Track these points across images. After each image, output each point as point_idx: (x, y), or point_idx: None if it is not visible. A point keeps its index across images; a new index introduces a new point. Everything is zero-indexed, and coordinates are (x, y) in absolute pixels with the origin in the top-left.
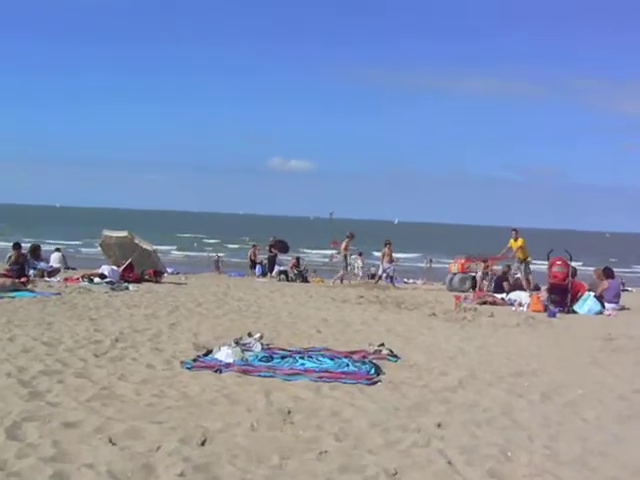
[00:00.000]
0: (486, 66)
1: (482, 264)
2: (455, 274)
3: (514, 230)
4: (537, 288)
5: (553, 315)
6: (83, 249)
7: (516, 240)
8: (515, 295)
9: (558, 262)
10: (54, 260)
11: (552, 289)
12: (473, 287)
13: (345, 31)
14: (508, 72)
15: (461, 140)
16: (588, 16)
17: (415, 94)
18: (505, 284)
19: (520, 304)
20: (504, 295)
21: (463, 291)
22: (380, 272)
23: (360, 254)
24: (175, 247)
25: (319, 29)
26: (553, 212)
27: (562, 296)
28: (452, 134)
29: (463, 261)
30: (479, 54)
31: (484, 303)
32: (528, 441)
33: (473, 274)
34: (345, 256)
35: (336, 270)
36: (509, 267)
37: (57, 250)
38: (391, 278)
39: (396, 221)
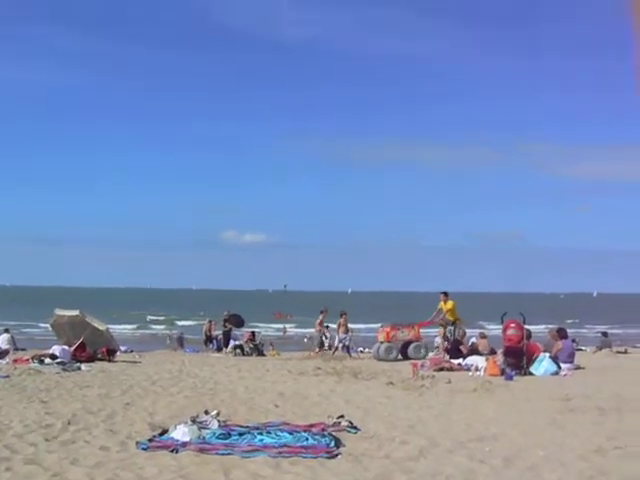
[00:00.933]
0: (437, 135)
1: (410, 330)
2: (382, 343)
3: (443, 293)
4: (493, 352)
5: (510, 378)
6: (33, 329)
7: (445, 303)
8: (472, 360)
9: (512, 325)
10: (2, 341)
11: (508, 352)
12: (404, 355)
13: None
14: (459, 140)
15: (415, 210)
16: (540, 79)
17: (370, 165)
18: (462, 348)
19: (477, 368)
20: (461, 360)
21: (389, 360)
22: (336, 343)
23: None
24: (129, 325)
25: (270, 100)
26: (508, 276)
27: (518, 359)
28: (405, 204)
29: (388, 329)
30: (429, 124)
31: (441, 369)
32: None
33: (400, 343)
34: (320, 331)
35: (290, 343)
36: (464, 332)
37: (6, 331)
38: (347, 348)
39: (349, 291)
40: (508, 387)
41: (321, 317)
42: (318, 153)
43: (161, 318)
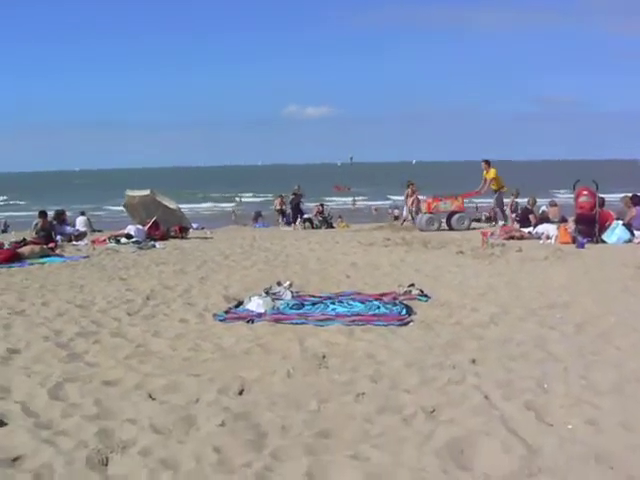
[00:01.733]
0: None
1: (452, 201)
2: (424, 214)
3: (484, 161)
4: (564, 220)
5: (582, 246)
6: (107, 210)
7: (487, 172)
8: (542, 228)
9: (584, 192)
10: (80, 224)
11: (579, 220)
12: (449, 226)
13: None
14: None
15: (478, 76)
16: None
17: (428, 31)
18: (531, 217)
19: (548, 236)
20: (531, 229)
21: (431, 231)
22: (405, 213)
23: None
24: (199, 203)
25: None
26: (579, 142)
27: (590, 226)
28: (465, 71)
29: (430, 200)
30: None
31: (511, 238)
32: (564, 372)
33: (443, 214)
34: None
35: (359, 215)
36: (534, 200)
37: (82, 214)
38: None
39: (414, 162)
40: (580, 255)
41: (408, 190)
42: (378, 22)
43: (229, 195)
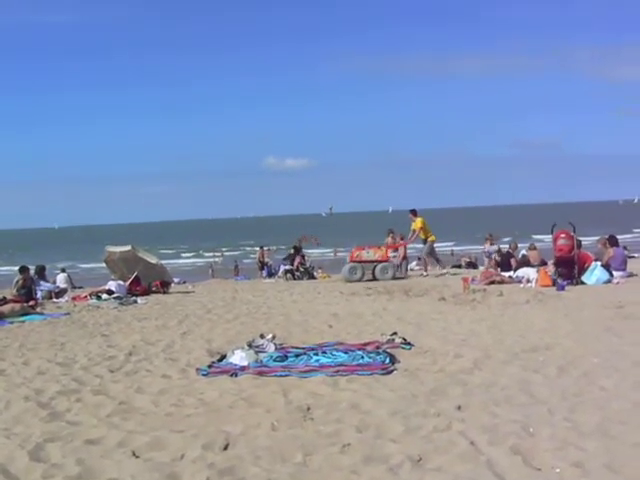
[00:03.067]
0: (478, 45)
1: (376, 251)
2: (347, 263)
3: (411, 211)
4: (544, 263)
5: (562, 288)
6: (86, 266)
7: (414, 222)
8: (522, 272)
9: (562, 235)
10: (60, 281)
11: (559, 262)
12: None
13: (334, 20)
14: (498, 48)
15: (453, 122)
16: None
17: (405, 80)
18: (512, 261)
19: (528, 280)
20: (511, 273)
21: (353, 280)
22: None
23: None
24: (180, 258)
25: (304, 23)
26: (555, 185)
27: (569, 269)
28: (443, 116)
29: (353, 250)
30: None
31: (492, 283)
32: (548, 415)
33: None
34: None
35: (339, 265)
36: (515, 244)
37: (63, 271)
38: (399, 267)
39: (390, 210)
40: (560, 297)
41: (388, 238)
42: (352, 73)
43: (209, 246)
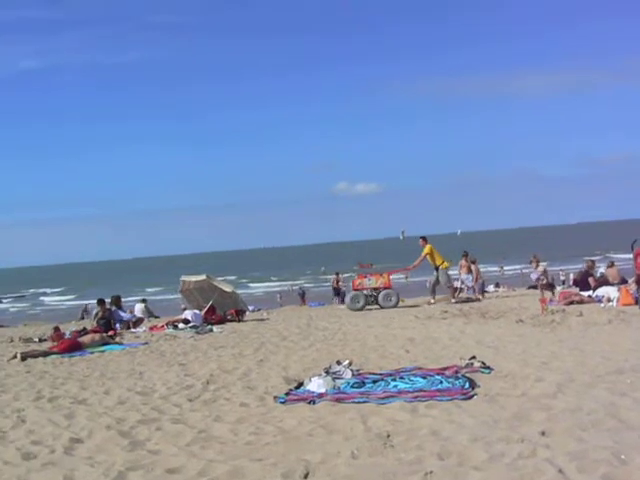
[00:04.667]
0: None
1: (378, 278)
2: (350, 292)
3: (421, 238)
4: (624, 281)
5: None
6: (163, 297)
7: (424, 248)
8: (602, 291)
9: None
10: (138, 311)
11: None
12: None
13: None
14: (558, 66)
15: (522, 142)
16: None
17: (474, 100)
18: (591, 280)
19: (609, 299)
20: (590, 292)
21: (356, 309)
22: (458, 284)
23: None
24: (254, 284)
25: (373, 45)
26: (632, 200)
27: None
28: (515, 136)
29: (356, 278)
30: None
31: (571, 303)
32: None
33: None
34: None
35: (411, 289)
36: (593, 262)
37: (143, 301)
38: (473, 289)
39: (459, 232)
40: None
41: (462, 261)
42: (419, 95)
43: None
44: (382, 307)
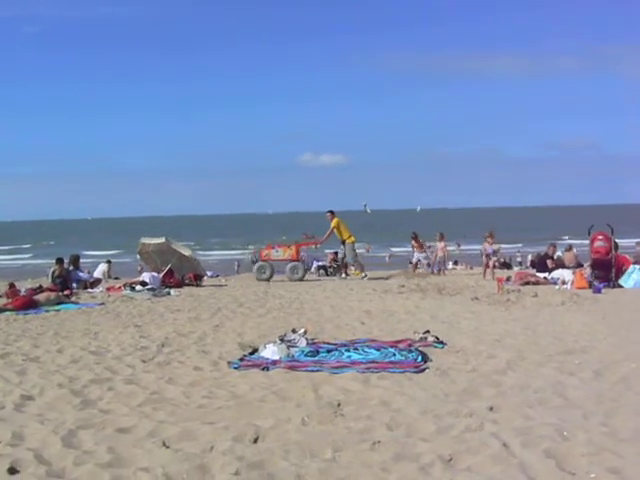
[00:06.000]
0: (512, 44)
1: (285, 250)
2: (257, 262)
3: (329, 212)
4: (580, 265)
5: (598, 291)
6: (123, 259)
7: (331, 222)
8: (558, 273)
9: (599, 237)
10: (99, 271)
11: (595, 265)
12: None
13: (366, 19)
14: (535, 49)
15: (491, 122)
16: None
17: (444, 77)
18: (549, 262)
19: (564, 282)
20: (547, 274)
21: (263, 279)
22: (414, 260)
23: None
24: (211, 251)
25: (341, 18)
26: (592, 186)
27: (606, 271)
28: (480, 116)
29: (263, 248)
30: (504, 33)
31: (527, 284)
32: (583, 419)
33: (272, 262)
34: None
35: (371, 263)
36: (553, 245)
37: (108, 262)
38: (428, 265)
39: (418, 209)
40: (596, 300)
41: (413, 241)
42: (388, 69)
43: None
44: (290, 279)
